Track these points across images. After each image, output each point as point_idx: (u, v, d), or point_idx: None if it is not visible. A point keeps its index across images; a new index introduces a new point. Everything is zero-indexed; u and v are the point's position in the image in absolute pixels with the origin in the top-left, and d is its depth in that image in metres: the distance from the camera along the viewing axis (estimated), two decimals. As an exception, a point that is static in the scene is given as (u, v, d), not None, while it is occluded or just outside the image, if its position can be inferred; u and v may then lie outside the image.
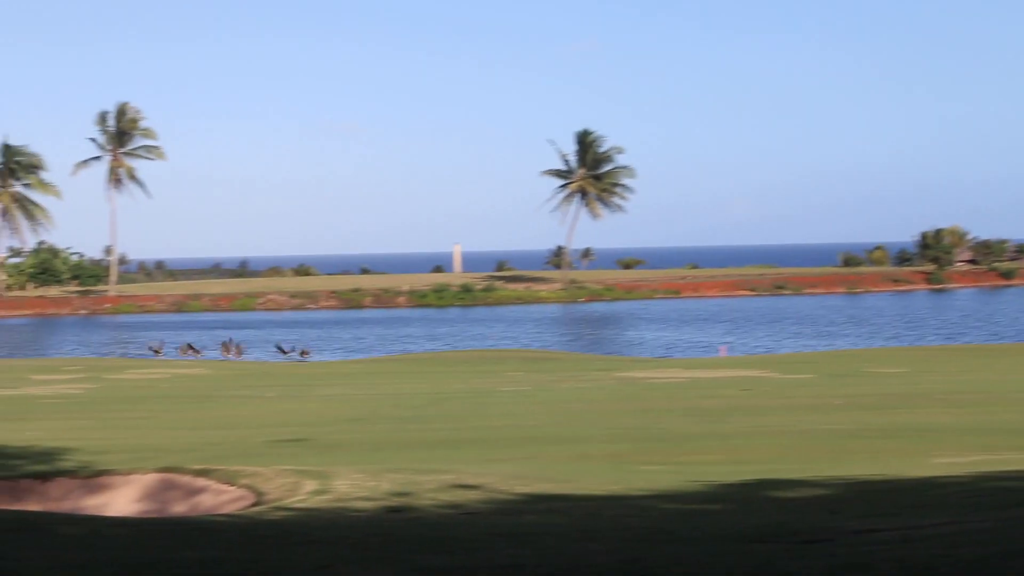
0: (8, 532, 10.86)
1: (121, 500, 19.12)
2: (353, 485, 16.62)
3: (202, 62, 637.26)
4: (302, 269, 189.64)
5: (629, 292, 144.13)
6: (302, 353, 67.17)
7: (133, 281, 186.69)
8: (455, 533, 12.06)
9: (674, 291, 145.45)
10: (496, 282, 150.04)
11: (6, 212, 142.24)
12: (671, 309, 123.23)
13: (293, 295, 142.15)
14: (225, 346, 69.67)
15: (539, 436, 25.30)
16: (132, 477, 19.60)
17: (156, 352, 70.83)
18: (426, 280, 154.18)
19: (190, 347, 71.60)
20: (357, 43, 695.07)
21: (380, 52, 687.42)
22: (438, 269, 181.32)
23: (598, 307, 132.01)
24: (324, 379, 46.53)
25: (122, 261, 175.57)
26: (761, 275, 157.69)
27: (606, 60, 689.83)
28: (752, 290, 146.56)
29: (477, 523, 13.20)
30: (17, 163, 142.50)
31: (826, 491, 15.65)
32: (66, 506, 18.74)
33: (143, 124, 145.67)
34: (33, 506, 18.52)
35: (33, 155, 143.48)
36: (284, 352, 68.49)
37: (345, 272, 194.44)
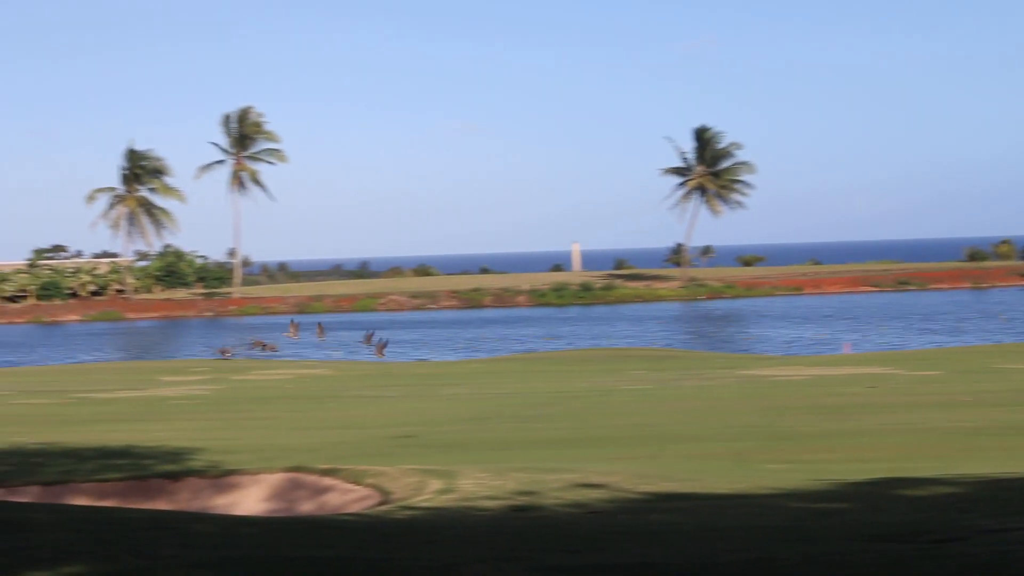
0: (143, 531, 11.05)
1: (249, 499, 19.36)
2: (478, 484, 16.67)
3: (323, 63, 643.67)
4: (422, 269, 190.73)
5: (750, 289, 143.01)
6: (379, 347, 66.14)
7: (256, 283, 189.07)
8: (582, 532, 12.04)
9: (796, 288, 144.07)
10: (615, 280, 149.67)
11: (132, 216, 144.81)
12: (793, 306, 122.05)
13: (414, 295, 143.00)
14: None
15: (662, 434, 25.20)
16: (260, 476, 19.84)
17: (224, 355, 71.12)
18: (545, 279, 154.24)
19: (262, 344, 71.89)
20: (476, 44, 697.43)
21: (499, 53, 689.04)
22: (557, 268, 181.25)
23: (719, 304, 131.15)
24: (447, 379, 46.72)
25: (245, 263, 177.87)
26: (884, 271, 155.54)
27: (722, 56, 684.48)
28: (875, 286, 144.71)
29: (603, 522, 13.18)
30: (142, 168, 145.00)
31: (956, 489, 15.41)
32: (196, 505, 19.02)
33: (266, 127, 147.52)
34: (164, 505, 18.82)
35: (157, 159, 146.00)
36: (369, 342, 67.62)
37: (465, 272, 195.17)
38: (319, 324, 70.33)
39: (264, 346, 71.44)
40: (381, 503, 16.55)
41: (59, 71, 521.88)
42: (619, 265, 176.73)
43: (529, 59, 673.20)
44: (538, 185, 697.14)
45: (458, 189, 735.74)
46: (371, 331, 71.25)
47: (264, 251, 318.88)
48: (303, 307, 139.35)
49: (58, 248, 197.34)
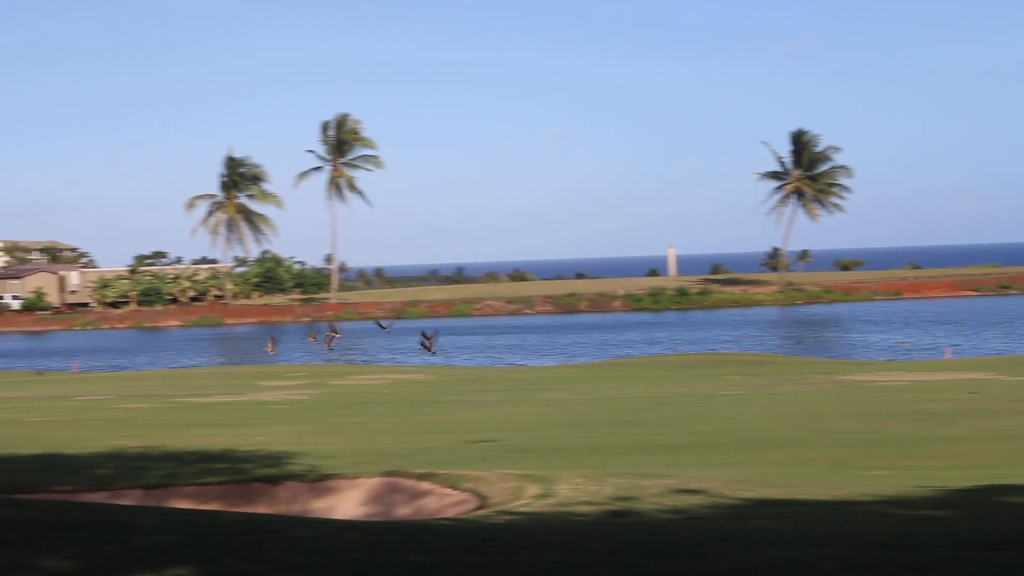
0: (245, 534, 11.15)
1: (347, 503, 19.46)
2: (575, 489, 16.65)
3: (420, 71, 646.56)
4: (518, 275, 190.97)
5: (848, 294, 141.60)
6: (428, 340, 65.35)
7: (353, 288, 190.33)
8: (681, 538, 11.98)
9: (895, 292, 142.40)
10: (712, 285, 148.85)
11: (231, 223, 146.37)
12: (892, 311, 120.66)
13: (509, 300, 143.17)
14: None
15: (759, 440, 25.03)
16: (358, 481, 19.93)
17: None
18: (641, 284, 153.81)
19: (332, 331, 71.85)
20: (572, 53, 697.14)
21: (595, 61, 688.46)
22: (653, 273, 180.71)
23: (816, 309, 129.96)
24: (543, 384, 46.72)
25: (342, 269, 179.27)
26: (985, 275, 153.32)
27: (820, 58, 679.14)
28: (976, 290, 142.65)
29: (702, 528, 13.10)
30: (240, 175, 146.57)
31: (1063, 497, 15.15)
32: (295, 508, 19.15)
33: (363, 134, 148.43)
34: (263, 508, 18.97)
35: (256, 166, 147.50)
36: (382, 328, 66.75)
37: (560, 277, 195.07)
38: (327, 333, 70.15)
39: (335, 333, 71.64)
40: (478, 508, 16.57)
41: (160, 81, 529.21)
42: (715, 270, 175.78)
43: (624, 66, 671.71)
44: (634, 190, 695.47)
45: (554, 195, 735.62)
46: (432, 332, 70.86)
47: (361, 257, 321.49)
48: (399, 312, 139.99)
49: (159, 254, 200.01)
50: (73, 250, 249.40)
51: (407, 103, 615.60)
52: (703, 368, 53.66)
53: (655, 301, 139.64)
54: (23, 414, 36.78)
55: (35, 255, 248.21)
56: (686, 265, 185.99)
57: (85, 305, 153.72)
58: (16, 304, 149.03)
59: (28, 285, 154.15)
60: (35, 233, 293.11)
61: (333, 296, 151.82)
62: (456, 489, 18.31)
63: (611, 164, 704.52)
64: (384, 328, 66.51)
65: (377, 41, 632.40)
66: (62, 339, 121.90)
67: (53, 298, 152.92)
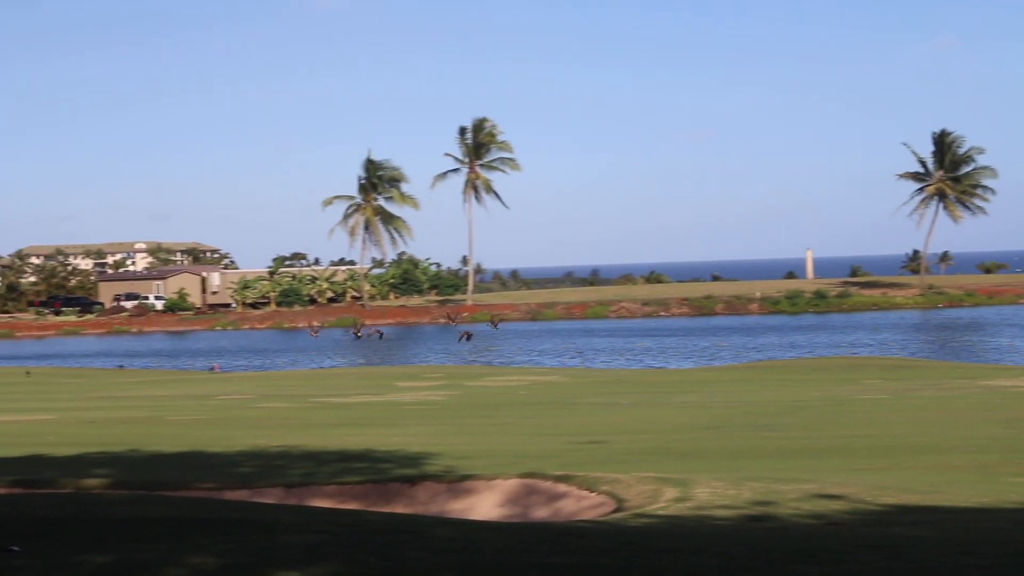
0: (386, 533, 11.26)
1: (485, 504, 19.53)
2: (713, 493, 16.54)
3: (554, 73, 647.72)
4: (653, 276, 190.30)
5: (991, 297, 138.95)
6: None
7: (489, 290, 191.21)
8: (822, 544, 11.85)
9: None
10: (850, 288, 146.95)
11: (368, 225, 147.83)
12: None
13: (645, 303, 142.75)
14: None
15: (900, 445, 24.66)
16: (495, 482, 19.99)
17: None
18: (778, 286, 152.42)
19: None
20: (710, 48, 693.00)
21: (729, 59, 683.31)
22: (790, 275, 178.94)
23: (958, 313, 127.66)
24: (679, 386, 46.52)
25: (478, 270, 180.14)
26: None
27: (961, 58, 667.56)
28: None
29: (843, 534, 12.94)
30: (379, 177, 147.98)
31: None
32: (433, 509, 19.27)
33: (499, 137, 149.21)
34: (402, 508, 19.12)
35: (394, 169, 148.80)
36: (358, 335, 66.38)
37: (696, 279, 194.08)
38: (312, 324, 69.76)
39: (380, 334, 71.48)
40: (616, 510, 16.54)
41: (300, 85, 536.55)
42: (854, 272, 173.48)
43: (759, 64, 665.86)
44: (771, 191, 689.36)
45: (690, 196, 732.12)
46: (359, 326, 69.79)
47: (496, 258, 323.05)
48: (535, 314, 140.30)
49: (298, 256, 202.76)
50: (215, 251, 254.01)
51: (544, 107, 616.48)
52: (841, 372, 53.00)
53: (792, 304, 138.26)
54: (166, 412, 37.50)
55: (178, 256, 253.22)
56: (824, 267, 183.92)
57: (226, 306, 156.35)
58: (159, 304, 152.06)
59: (171, 286, 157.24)
60: (178, 235, 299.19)
61: (469, 298, 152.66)
62: (593, 491, 18.29)
63: (748, 165, 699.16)
64: (357, 335, 65.32)
65: (513, 45, 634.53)
66: (204, 339, 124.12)
67: (195, 299, 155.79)
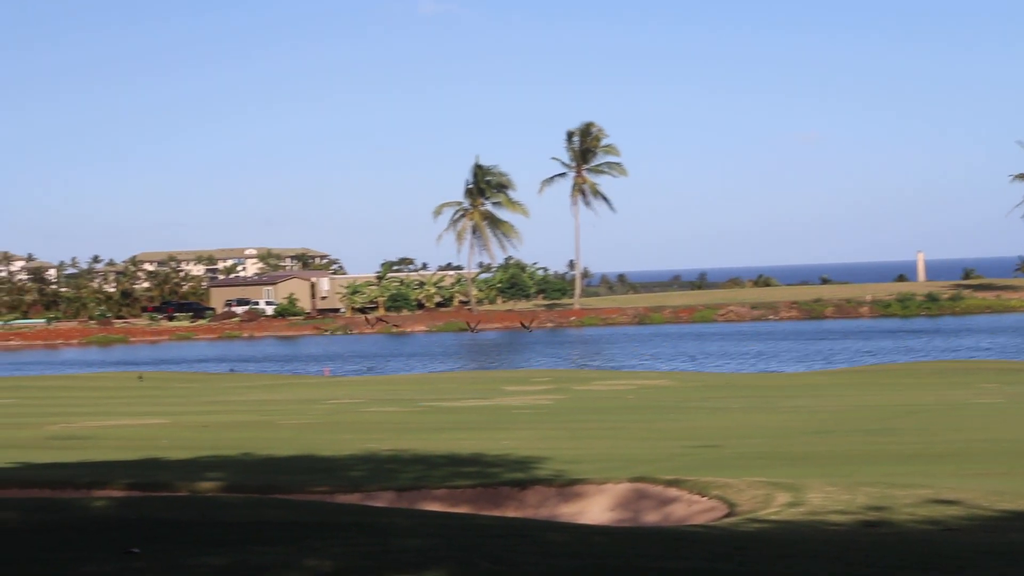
0: (498, 537, 11.28)
1: (595, 508, 19.51)
2: (826, 498, 16.39)
3: (660, 76, 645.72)
4: (761, 280, 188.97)
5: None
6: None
7: (596, 294, 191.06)
8: (939, 550, 11.70)
9: None
10: (963, 290, 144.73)
11: (476, 229, 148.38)
12: None
13: (753, 306, 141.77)
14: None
15: (1018, 450, 24.25)
16: (605, 486, 19.97)
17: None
18: (889, 289, 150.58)
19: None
20: (817, 49, 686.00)
21: (837, 60, 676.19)
22: (901, 278, 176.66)
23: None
24: (789, 390, 46.12)
25: (585, 275, 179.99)
26: None
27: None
28: None
29: (960, 540, 12.76)
30: (487, 182, 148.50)
31: None
32: (543, 513, 19.28)
33: (606, 142, 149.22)
34: (513, 512, 19.15)
35: (502, 174, 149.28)
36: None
37: (805, 282, 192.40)
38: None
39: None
40: (727, 515, 16.45)
41: (407, 89, 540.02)
42: (967, 275, 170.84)
43: (869, 64, 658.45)
44: (881, 193, 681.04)
45: (798, 198, 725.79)
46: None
47: (603, 262, 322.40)
48: (642, 318, 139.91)
49: (405, 261, 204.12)
50: (323, 257, 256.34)
51: (649, 109, 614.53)
52: (955, 375, 52.24)
53: (904, 307, 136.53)
54: (278, 416, 37.90)
55: (287, 262, 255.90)
56: (936, 270, 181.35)
57: (335, 311, 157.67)
58: (270, 310, 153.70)
59: (281, 291, 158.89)
60: (287, 241, 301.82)
61: (576, 302, 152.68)
62: (704, 496, 18.21)
63: (857, 167, 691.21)
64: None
65: (620, 49, 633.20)
66: (314, 344, 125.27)
67: (305, 304, 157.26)
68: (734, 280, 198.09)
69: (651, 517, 18.67)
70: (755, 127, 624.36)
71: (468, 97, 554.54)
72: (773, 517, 15.12)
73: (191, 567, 9.66)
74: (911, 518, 14.67)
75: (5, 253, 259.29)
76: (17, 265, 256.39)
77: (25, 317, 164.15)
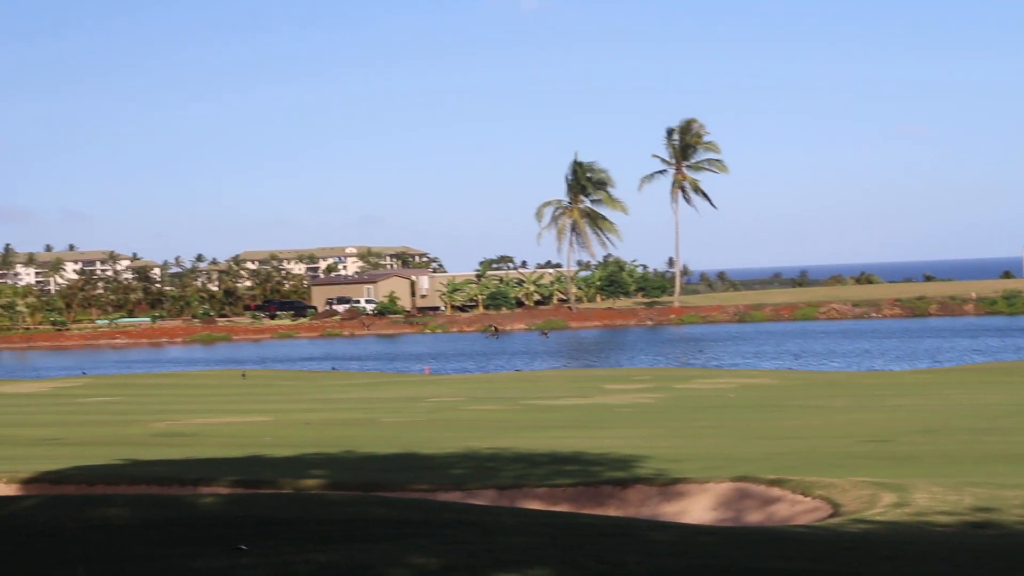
0: (602, 536, 11.28)
1: (697, 508, 19.40)
2: (932, 499, 16.19)
3: (761, 73, 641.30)
4: (863, 277, 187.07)
5: None
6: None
7: (695, 292, 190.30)
8: (1050, 552, 11.51)
9: None
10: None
11: (575, 227, 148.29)
12: None
13: (855, 304, 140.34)
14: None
15: None
16: (707, 485, 19.86)
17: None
18: (994, 286, 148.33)
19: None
20: (907, 48, 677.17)
21: (937, 56, 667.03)
22: (1007, 275, 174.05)
23: None
24: (893, 389, 45.61)
25: (685, 272, 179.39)
26: None
27: None
28: None
29: (1071, 542, 12.55)
30: (587, 180, 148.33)
31: None
32: (645, 512, 19.22)
33: (706, 139, 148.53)
34: (614, 511, 19.11)
35: (602, 171, 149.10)
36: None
37: (908, 280, 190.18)
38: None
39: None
40: (831, 515, 16.30)
41: (507, 87, 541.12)
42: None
43: (969, 58, 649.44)
44: (985, 188, 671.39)
45: (899, 195, 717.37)
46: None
47: (703, 259, 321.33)
48: (742, 316, 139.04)
49: (504, 259, 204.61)
50: (423, 255, 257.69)
51: (750, 108, 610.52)
52: (1064, 374, 51.35)
53: (1010, 304, 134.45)
54: (379, 415, 38.15)
55: (387, 260, 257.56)
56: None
57: (435, 309, 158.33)
58: (370, 308, 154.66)
59: (381, 290, 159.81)
60: (387, 239, 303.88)
61: (676, 299, 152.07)
62: (808, 496, 18.04)
63: (960, 162, 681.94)
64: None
65: (718, 45, 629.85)
66: (414, 342, 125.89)
67: (405, 302, 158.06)
68: (836, 277, 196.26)
69: (754, 517, 18.54)
70: (858, 122, 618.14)
71: (567, 94, 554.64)
72: (878, 518, 14.95)
73: (298, 563, 9.75)
74: (1020, 519, 14.45)
75: (111, 252, 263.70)
76: (123, 264, 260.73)
77: (131, 316, 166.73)
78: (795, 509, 17.96)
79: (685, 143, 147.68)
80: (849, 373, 62.94)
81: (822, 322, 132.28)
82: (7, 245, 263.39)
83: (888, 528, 13.97)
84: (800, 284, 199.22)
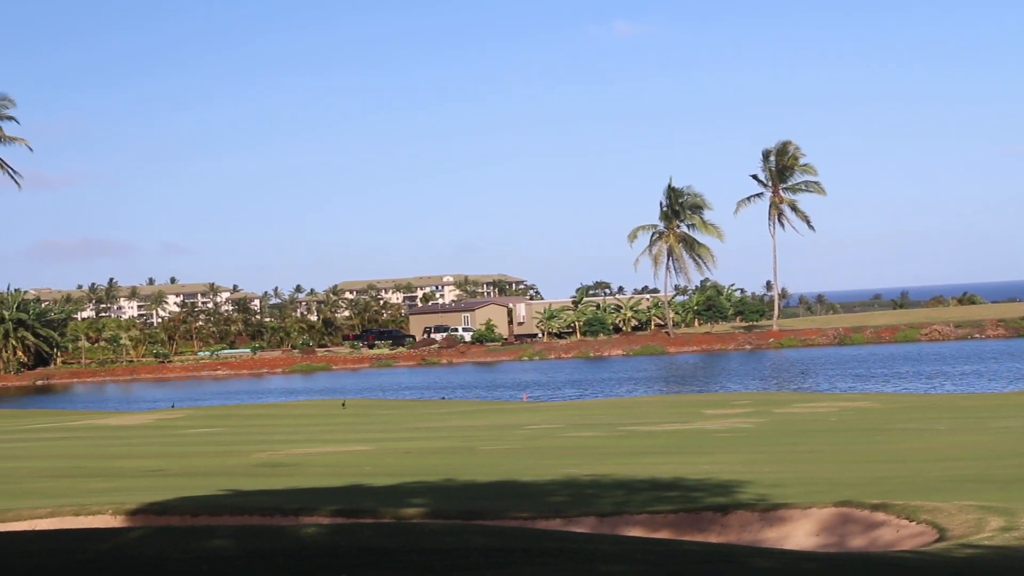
0: (704, 563, 11.20)
1: (799, 533, 19.21)
2: (1041, 523, 15.89)
3: (858, 96, 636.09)
4: (966, 297, 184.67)
5: None
6: None
7: (794, 315, 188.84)
8: None
9: None
10: None
11: (672, 252, 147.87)
12: None
13: (958, 324, 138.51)
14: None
15: None
16: (809, 511, 19.65)
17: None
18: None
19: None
20: (1006, 68, 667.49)
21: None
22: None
23: None
24: (996, 411, 44.92)
25: (783, 295, 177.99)
26: None
27: None
28: None
29: None
30: (681, 204, 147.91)
31: None
32: (746, 538, 19.06)
33: (803, 161, 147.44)
34: (715, 538, 18.98)
35: (697, 195, 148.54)
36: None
37: (1012, 299, 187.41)
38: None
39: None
40: (937, 540, 16.05)
41: (602, 112, 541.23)
42: None
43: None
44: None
45: (1001, 214, 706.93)
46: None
47: (801, 282, 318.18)
48: (842, 339, 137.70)
49: (601, 285, 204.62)
50: (519, 283, 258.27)
51: (847, 129, 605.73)
52: None
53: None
54: (478, 442, 38.20)
55: (484, 288, 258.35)
56: None
57: (532, 336, 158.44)
58: (468, 336, 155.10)
59: (478, 317, 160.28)
60: (483, 267, 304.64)
61: (775, 323, 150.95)
62: (913, 520, 17.79)
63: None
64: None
65: (813, 67, 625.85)
66: (511, 369, 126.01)
67: (502, 329, 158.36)
68: (937, 298, 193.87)
69: (858, 542, 18.32)
70: (955, 140, 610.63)
71: (663, 119, 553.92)
72: (986, 542, 14.71)
73: (400, 593, 9.76)
74: None
75: (212, 285, 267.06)
76: (223, 296, 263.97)
77: (231, 347, 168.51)
78: (900, 534, 17.72)
79: (781, 165, 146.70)
80: (952, 395, 62.09)
81: (924, 344, 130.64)
82: (111, 279, 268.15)
83: (996, 553, 13.74)
84: (901, 306, 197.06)
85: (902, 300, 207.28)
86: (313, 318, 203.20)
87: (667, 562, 11.37)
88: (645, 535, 18.61)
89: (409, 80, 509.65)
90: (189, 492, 24.16)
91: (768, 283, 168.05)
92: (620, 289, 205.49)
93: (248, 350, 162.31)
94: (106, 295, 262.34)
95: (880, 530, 18.31)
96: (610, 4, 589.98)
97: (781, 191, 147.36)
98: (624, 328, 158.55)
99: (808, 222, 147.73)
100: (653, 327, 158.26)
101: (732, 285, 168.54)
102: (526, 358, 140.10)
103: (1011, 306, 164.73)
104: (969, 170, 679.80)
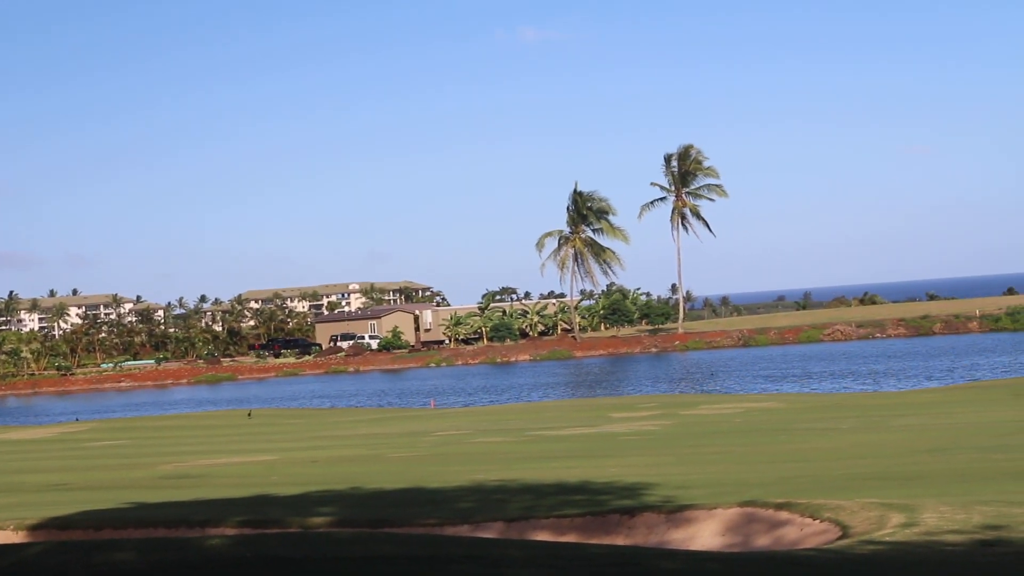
0: (610, 566, 11.25)
1: (705, 533, 19.35)
2: (941, 518, 16.13)
3: (759, 95, 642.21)
4: (867, 298, 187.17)
5: None
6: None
7: (699, 317, 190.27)
8: (1059, 568, 11.48)
9: None
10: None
11: (578, 257, 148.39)
12: None
13: (859, 324, 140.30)
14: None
15: None
16: (715, 511, 19.80)
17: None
18: (998, 303, 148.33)
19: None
20: (922, 64, 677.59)
21: (942, 73, 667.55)
22: (1010, 291, 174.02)
23: None
24: (898, 409, 45.55)
25: (688, 298, 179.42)
26: None
27: None
28: None
29: (1080, 558, 12.51)
30: (588, 209, 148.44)
31: None
32: (653, 540, 19.17)
33: (706, 164, 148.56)
34: (622, 540, 19.07)
35: (602, 200, 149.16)
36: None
37: (911, 299, 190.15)
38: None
39: None
40: (840, 538, 16.24)
41: (506, 119, 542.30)
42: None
43: (971, 74, 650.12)
44: (989, 207, 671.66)
45: (901, 215, 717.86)
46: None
47: (706, 285, 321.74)
48: (747, 340, 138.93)
49: (507, 291, 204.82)
50: (426, 290, 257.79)
51: (748, 129, 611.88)
52: (1070, 389, 51.26)
53: (1014, 321, 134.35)
54: (385, 450, 38.10)
55: (390, 296, 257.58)
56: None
57: (439, 343, 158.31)
58: (374, 344, 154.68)
59: (385, 325, 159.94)
60: (390, 275, 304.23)
61: (680, 326, 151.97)
62: (816, 519, 17.98)
63: (966, 181, 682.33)
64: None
65: (714, 70, 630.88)
66: (419, 376, 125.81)
67: (409, 336, 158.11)
68: (839, 299, 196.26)
69: (762, 541, 18.49)
70: (860, 141, 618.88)
71: (567, 125, 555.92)
72: (887, 539, 14.91)
73: (306, 603, 9.72)
74: (1029, 536, 14.39)
75: (115, 296, 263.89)
76: (126, 307, 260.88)
77: (135, 358, 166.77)
78: (803, 532, 17.90)
79: (684, 169, 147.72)
80: (855, 395, 62.87)
81: (827, 344, 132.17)
82: (11, 292, 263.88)
83: (897, 549, 13.93)
84: (804, 306, 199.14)
85: (805, 301, 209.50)
86: (218, 328, 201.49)
87: (574, 566, 11.41)
88: (552, 539, 18.65)
89: (314, 85, 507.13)
90: (93, 506, 23.87)
91: (673, 286, 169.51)
92: (527, 294, 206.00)
93: (152, 361, 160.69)
94: (6, 308, 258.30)
95: (784, 529, 18.49)
96: (517, 9, 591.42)
97: (684, 195, 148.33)
98: (531, 333, 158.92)
99: (708, 227, 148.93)
100: (560, 332, 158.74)
101: (638, 289, 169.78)
102: (433, 365, 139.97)
103: (911, 305, 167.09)
104: (870, 171, 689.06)
